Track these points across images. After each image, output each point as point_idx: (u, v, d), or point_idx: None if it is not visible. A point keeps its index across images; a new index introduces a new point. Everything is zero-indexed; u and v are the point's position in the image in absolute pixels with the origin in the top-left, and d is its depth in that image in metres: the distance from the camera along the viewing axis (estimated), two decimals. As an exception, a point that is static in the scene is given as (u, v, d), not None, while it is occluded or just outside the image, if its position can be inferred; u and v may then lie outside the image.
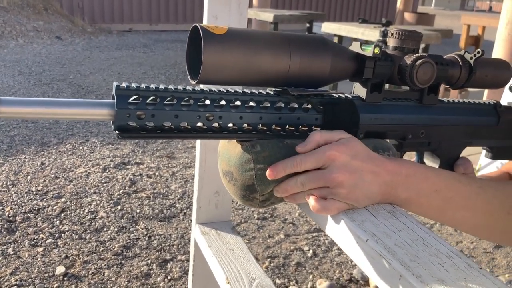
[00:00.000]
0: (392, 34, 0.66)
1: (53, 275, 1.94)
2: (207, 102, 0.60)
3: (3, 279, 1.89)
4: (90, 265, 2.03)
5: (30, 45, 7.12)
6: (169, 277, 1.99)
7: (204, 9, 1.03)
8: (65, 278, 1.93)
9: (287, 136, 0.65)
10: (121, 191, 2.69)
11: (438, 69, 0.67)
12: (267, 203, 0.67)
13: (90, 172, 2.92)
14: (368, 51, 0.64)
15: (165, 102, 0.58)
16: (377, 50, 0.63)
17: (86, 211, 2.46)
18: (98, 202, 2.56)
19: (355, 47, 0.67)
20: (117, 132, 0.57)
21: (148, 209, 2.52)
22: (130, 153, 3.26)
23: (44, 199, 2.54)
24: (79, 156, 3.15)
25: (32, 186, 2.67)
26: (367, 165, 0.60)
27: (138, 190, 2.73)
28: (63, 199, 2.55)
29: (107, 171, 2.96)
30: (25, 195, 2.57)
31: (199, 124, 0.60)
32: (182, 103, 0.59)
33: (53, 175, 2.84)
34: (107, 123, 3.87)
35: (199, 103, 0.60)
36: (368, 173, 0.60)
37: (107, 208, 2.50)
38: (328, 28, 4.38)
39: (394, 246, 0.47)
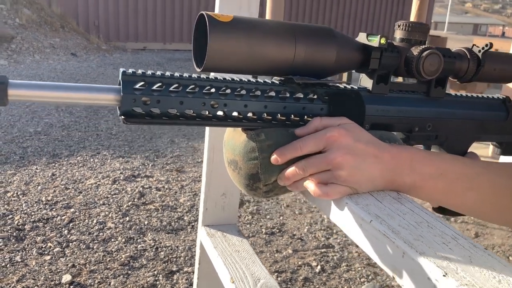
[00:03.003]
0: (399, 26, 0.67)
1: (59, 283, 1.94)
2: (212, 90, 0.61)
3: (10, 286, 1.89)
4: (96, 274, 2.02)
5: (46, 61, 7.25)
6: (175, 289, 1.98)
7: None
8: (71, 287, 1.93)
9: (292, 126, 0.65)
10: (130, 203, 2.69)
11: (445, 62, 0.67)
12: (271, 194, 0.67)
13: (100, 184, 2.93)
14: (375, 42, 0.64)
15: (170, 89, 0.59)
16: (383, 41, 0.63)
17: (95, 221, 2.46)
18: (106, 213, 2.56)
19: (361, 38, 0.67)
20: (122, 117, 0.57)
21: (156, 221, 2.52)
22: (140, 166, 3.27)
23: (54, 209, 2.55)
24: (90, 168, 3.17)
25: (42, 196, 2.69)
26: (370, 149, 0.60)
27: (146, 202, 2.74)
28: (72, 209, 2.56)
29: (117, 183, 2.97)
30: (35, 205, 2.58)
31: (204, 111, 0.61)
32: (187, 90, 0.59)
33: (63, 186, 2.85)
34: (119, 135, 3.91)
35: (204, 91, 0.60)
36: (370, 157, 0.59)
37: (116, 219, 2.51)
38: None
39: (398, 227, 0.46)
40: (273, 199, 2.98)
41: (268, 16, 7.19)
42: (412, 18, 9.97)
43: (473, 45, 0.72)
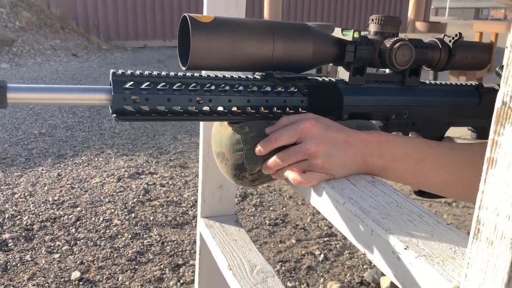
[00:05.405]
0: (372, 20, 0.70)
1: (68, 280, 1.99)
2: (198, 87, 0.65)
3: (21, 284, 1.94)
4: (104, 270, 2.08)
5: (47, 63, 7.31)
6: (181, 281, 2.03)
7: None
8: (80, 283, 1.98)
9: (275, 118, 0.69)
10: (135, 200, 2.75)
11: (417, 52, 0.71)
12: (256, 182, 0.72)
13: (105, 182, 2.98)
14: (349, 36, 0.68)
15: (158, 87, 0.63)
16: (356, 35, 0.67)
17: (101, 219, 2.51)
18: (112, 210, 2.61)
19: (337, 33, 0.71)
20: (114, 115, 0.62)
21: (161, 217, 2.57)
22: (144, 164, 3.32)
23: (61, 208, 2.61)
24: (95, 167, 3.22)
25: (49, 196, 2.74)
26: (340, 136, 0.64)
27: (151, 199, 2.79)
28: (78, 208, 2.62)
29: (122, 180, 3.02)
30: (42, 205, 2.64)
31: (191, 107, 0.65)
32: (174, 88, 0.64)
33: (69, 186, 2.91)
34: (122, 134, 3.96)
35: (190, 88, 0.64)
36: (341, 143, 0.64)
37: (122, 216, 2.56)
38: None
39: (369, 207, 0.50)
40: (276, 191, 3.03)
41: (266, 14, 7.23)
42: (411, 5, 9.92)
43: (444, 35, 0.76)
